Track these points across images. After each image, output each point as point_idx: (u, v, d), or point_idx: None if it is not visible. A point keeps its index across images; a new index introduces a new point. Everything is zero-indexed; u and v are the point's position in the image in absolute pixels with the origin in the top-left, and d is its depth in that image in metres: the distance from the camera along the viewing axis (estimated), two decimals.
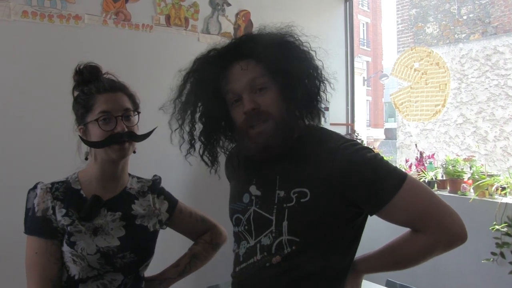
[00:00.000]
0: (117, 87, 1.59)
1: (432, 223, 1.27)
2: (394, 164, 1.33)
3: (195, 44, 3.79)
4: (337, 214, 1.31)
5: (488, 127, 4.27)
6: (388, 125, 24.40)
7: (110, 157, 1.56)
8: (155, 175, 1.80)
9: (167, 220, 1.76)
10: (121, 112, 1.55)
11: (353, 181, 1.28)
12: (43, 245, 1.48)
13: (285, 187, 1.35)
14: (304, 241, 1.31)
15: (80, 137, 1.57)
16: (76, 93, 1.60)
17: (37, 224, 1.49)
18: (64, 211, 1.51)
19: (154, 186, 1.76)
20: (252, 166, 1.48)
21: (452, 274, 3.57)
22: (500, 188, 3.37)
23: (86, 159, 1.59)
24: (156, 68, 3.56)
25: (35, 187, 1.55)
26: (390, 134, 20.67)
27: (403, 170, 1.38)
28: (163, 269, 1.81)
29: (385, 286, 2.30)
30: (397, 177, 1.27)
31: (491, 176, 3.53)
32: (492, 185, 3.41)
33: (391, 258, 1.40)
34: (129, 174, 1.72)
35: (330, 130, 1.46)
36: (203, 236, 1.88)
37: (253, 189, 1.45)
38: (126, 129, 1.55)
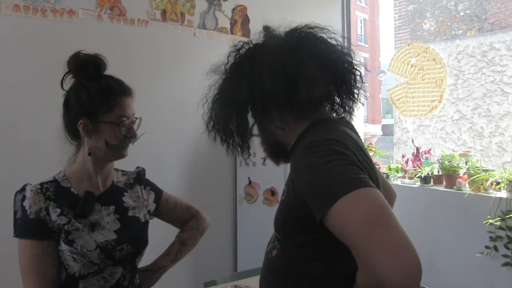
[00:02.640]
0: (130, 92, 1.62)
1: (358, 259, 0.97)
2: (348, 174, 1.06)
3: (191, 39, 3.79)
4: (303, 217, 1.17)
5: (484, 123, 4.29)
6: (385, 121, 24.40)
7: (115, 158, 1.63)
8: (138, 167, 1.82)
9: (155, 210, 1.79)
10: (133, 118, 1.62)
11: (299, 187, 1.17)
12: (39, 247, 1.47)
13: (286, 182, 1.34)
14: (284, 241, 1.30)
15: (106, 141, 1.57)
16: (74, 83, 1.57)
17: (31, 227, 1.48)
18: (58, 210, 1.50)
19: (140, 178, 1.79)
20: None
21: (446, 268, 3.60)
22: (495, 183, 3.40)
23: (89, 154, 1.58)
24: (152, 63, 3.56)
25: (23, 189, 1.54)
26: (388, 130, 20.68)
27: (356, 184, 1.02)
28: (155, 259, 1.83)
29: None
30: (333, 192, 1.02)
31: (486, 171, 3.56)
32: (487, 180, 3.44)
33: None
34: (114, 168, 1.74)
35: (321, 127, 1.31)
36: (188, 223, 1.92)
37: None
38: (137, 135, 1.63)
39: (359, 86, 1.39)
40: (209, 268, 4.06)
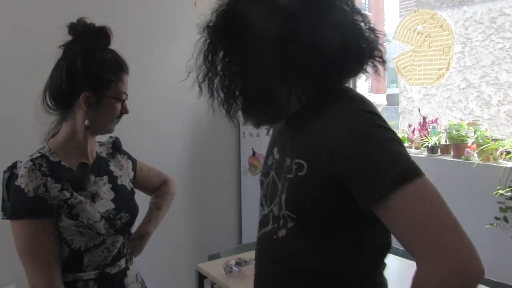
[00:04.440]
0: (128, 69, 1.60)
1: (429, 245, 0.94)
2: (409, 157, 1.02)
3: (192, 8, 3.70)
4: (332, 196, 1.09)
5: (492, 91, 4.22)
6: (390, 91, 24.26)
7: (106, 132, 1.61)
8: (111, 136, 1.79)
9: (133, 178, 1.79)
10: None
11: (343, 159, 1.04)
12: (40, 225, 1.42)
13: (292, 154, 1.21)
14: (300, 220, 1.16)
15: (109, 116, 1.57)
16: (79, 51, 1.51)
17: (30, 206, 1.42)
18: (59, 186, 1.46)
19: (117, 146, 1.78)
20: (280, 126, 1.35)
21: None
22: (505, 153, 3.34)
23: (87, 128, 1.53)
24: (151, 34, 3.48)
25: (13, 167, 1.48)
26: (392, 100, 20.57)
27: (419, 170, 0.99)
28: (138, 227, 1.85)
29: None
30: (403, 171, 0.98)
31: (495, 140, 3.50)
32: (496, 150, 3.38)
33: None
34: None
35: (352, 92, 1.21)
36: (160, 188, 1.96)
37: (275, 152, 1.33)
38: None
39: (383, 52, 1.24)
40: (213, 240, 4.04)
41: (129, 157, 1.84)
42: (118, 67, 1.55)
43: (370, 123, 1.05)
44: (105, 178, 1.63)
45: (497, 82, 4.21)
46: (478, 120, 3.96)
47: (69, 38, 1.54)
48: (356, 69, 1.21)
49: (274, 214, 1.24)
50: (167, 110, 3.65)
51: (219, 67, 1.21)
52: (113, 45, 1.59)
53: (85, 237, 1.49)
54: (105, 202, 1.58)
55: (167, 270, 3.76)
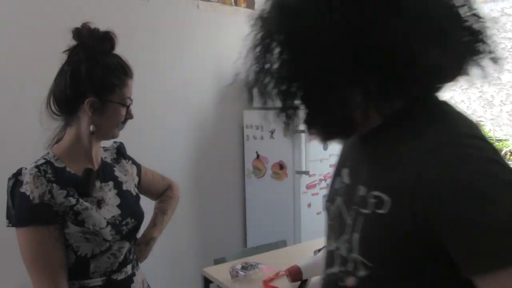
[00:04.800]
0: (133, 74, 1.60)
1: None
2: None
3: (194, 11, 3.70)
4: (425, 248, 0.83)
5: (494, 91, 4.21)
6: None
7: (110, 137, 1.61)
8: (115, 142, 1.78)
9: (138, 184, 1.79)
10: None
11: (441, 205, 0.78)
12: (46, 233, 1.41)
13: (369, 183, 0.95)
14: (378, 271, 0.91)
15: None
16: (83, 57, 1.50)
17: (36, 212, 1.41)
18: (64, 192, 1.45)
19: (122, 152, 1.78)
20: (352, 142, 1.09)
21: None
22: (509, 153, 3.34)
23: (92, 133, 1.53)
24: (153, 38, 3.48)
25: (17, 173, 1.46)
26: None
27: None
28: (143, 232, 1.83)
29: None
30: None
31: (500, 141, 3.49)
32: (501, 150, 3.37)
33: None
34: None
35: (449, 107, 0.94)
36: (165, 193, 1.96)
37: (344, 174, 1.08)
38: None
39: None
40: (218, 244, 4.04)
41: (134, 162, 1.84)
42: (122, 71, 1.55)
43: (482, 157, 0.80)
44: (111, 183, 1.63)
45: (500, 82, 4.21)
46: (481, 121, 3.96)
47: (74, 42, 1.54)
48: (454, 71, 0.92)
49: (341, 254, 1.00)
50: (170, 114, 3.65)
51: (274, 67, 0.95)
52: (117, 50, 1.59)
53: (91, 244, 1.48)
54: (111, 208, 1.57)
55: (172, 275, 3.75)
